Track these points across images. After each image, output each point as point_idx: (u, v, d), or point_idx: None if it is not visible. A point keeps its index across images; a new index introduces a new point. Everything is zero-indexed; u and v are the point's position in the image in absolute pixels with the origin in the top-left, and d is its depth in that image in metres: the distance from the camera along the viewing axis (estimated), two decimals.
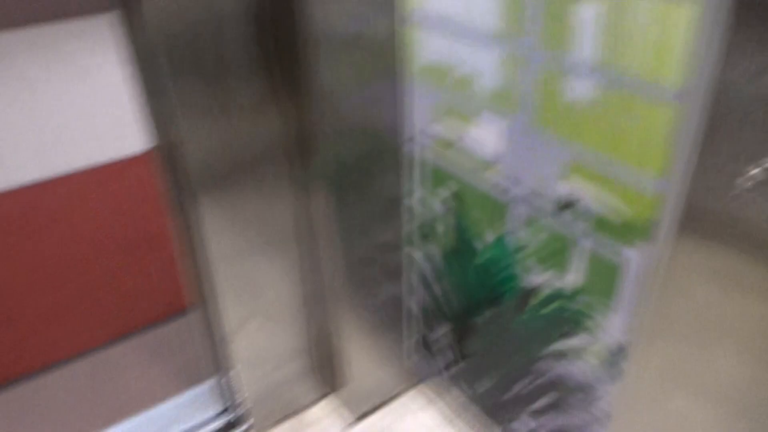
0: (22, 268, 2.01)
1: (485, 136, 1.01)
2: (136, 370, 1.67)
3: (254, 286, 1.26)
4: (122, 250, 2.10)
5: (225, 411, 1.45)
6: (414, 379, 1.53)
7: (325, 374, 1.50)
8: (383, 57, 1.07)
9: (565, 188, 0.91)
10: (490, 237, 1.09)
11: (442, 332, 1.34)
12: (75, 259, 2.06)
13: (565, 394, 1.07)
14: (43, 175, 2.40)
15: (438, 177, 1.15)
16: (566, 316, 1.01)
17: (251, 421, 1.42)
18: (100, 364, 1.69)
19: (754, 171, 0.68)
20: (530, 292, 1.06)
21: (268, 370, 1.39)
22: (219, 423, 1.44)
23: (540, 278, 1.03)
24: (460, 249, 1.17)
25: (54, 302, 1.90)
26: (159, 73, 0.98)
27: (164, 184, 1.15)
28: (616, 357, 0.95)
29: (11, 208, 2.27)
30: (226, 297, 1.22)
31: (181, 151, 1.05)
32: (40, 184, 2.38)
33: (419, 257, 1.29)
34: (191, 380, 1.54)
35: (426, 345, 1.41)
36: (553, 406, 1.12)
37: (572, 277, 0.96)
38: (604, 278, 0.91)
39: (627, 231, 0.85)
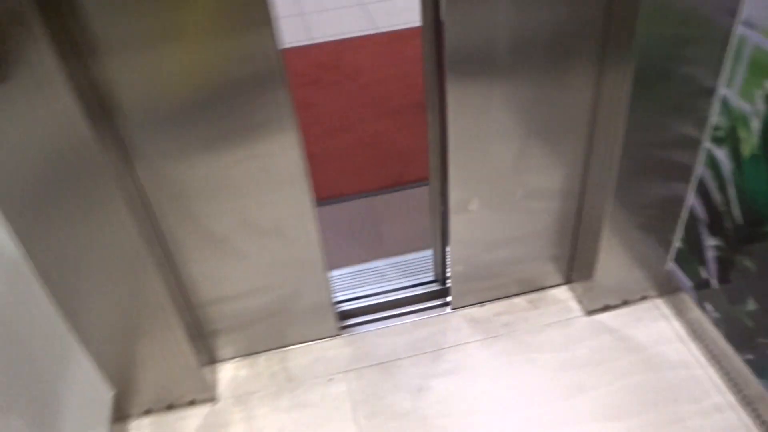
0: (318, 112, 2.32)
1: None
2: (379, 222, 1.84)
3: (490, 169, 1.27)
4: (395, 112, 2.29)
5: (436, 281, 1.58)
6: (663, 288, 1.48)
7: (563, 264, 1.51)
8: None
9: None
10: None
11: (713, 243, 1.26)
12: (361, 111, 2.32)
13: None
14: (346, 34, 2.79)
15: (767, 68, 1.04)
16: None
17: (451, 296, 1.53)
18: (359, 208, 1.90)
19: None
20: None
21: (479, 252, 1.43)
22: (429, 289, 1.57)
23: None
24: None
25: (337, 146, 2.17)
26: None
27: (425, 59, 1.18)
28: None
29: (319, 58, 2.63)
30: (457, 176, 1.27)
31: (440, 29, 1.06)
32: (342, 41, 2.76)
33: (717, 156, 1.21)
34: (419, 245, 1.68)
35: (690, 254, 1.35)
36: None
37: None
38: None
39: None
